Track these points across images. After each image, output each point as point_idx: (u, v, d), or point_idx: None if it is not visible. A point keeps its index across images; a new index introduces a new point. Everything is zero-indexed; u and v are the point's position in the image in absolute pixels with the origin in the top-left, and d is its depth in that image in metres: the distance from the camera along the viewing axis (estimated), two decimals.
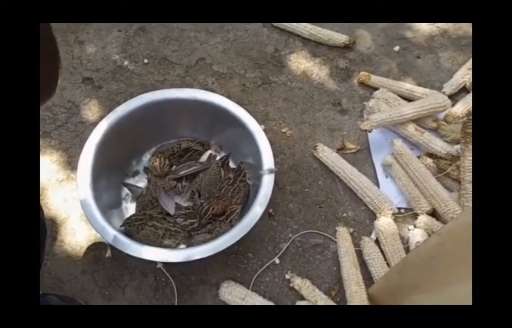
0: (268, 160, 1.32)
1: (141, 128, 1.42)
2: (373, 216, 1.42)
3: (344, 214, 1.43)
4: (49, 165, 1.47)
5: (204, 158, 1.47)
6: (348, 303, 1.24)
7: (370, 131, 1.54)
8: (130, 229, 1.27)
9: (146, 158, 1.47)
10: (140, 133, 1.42)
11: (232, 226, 1.30)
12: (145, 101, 1.40)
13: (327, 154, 1.52)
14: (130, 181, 1.43)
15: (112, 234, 1.16)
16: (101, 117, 1.41)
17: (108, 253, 1.30)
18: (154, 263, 1.29)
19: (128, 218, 1.29)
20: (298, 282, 1.28)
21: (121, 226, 1.26)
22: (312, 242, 1.38)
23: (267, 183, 1.28)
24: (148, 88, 1.65)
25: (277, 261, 1.34)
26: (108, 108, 1.59)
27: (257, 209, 1.22)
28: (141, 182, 1.44)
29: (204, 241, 1.27)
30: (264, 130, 1.49)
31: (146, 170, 1.43)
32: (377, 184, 1.48)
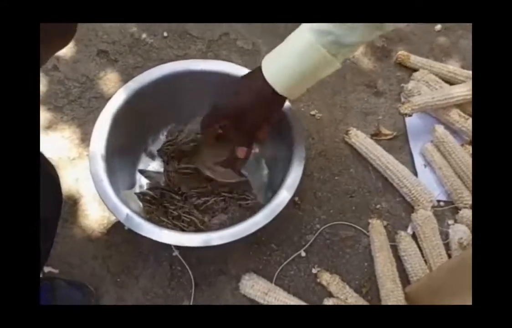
0: (299, 145, 1.28)
1: (160, 102, 1.40)
2: (409, 208, 1.39)
3: (378, 206, 1.41)
4: (60, 141, 1.48)
5: None
6: (382, 303, 1.22)
7: (410, 115, 1.51)
8: (143, 204, 1.28)
9: (163, 136, 1.46)
10: (159, 107, 1.40)
11: (248, 209, 1.29)
12: (165, 72, 1.38)
13: (360, 140, 1.49)
14: (146, 161, 1.43)
15: (124, 212, 1.15)
16: (116, 90, 1.40)
17: (126, 227, 1.27)
18: (169, 249, 1.29)
19: (141, 192, 1.30)
20: (326, 278, 1.26)
21: (136, 193, 1.28)
22: (341, 234, 1.36)
23: (297, 166, 1.24)
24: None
25: (303, 253, 1.32)
26: (124, 83, 1.54)
27: (284, 194, 1.19)
28: (158, 164, 1.42)
29: (221, 224, 1.26)
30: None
31: (161, 152, 1.41)
32: (414, 173, 1.45)
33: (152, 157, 1.44)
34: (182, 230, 1.25)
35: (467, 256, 1.07)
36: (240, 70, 1.39)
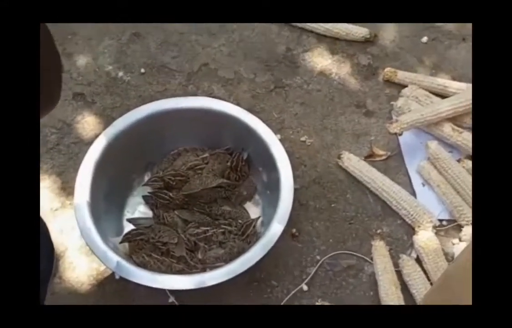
0: (286, 174, 1.33)
1: (143, 144, 1.43)
2: (411, 230, 1.41)
3: (379, 230, 1.42)
4: (41, 192, 1.46)
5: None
6: None
7: (400, 134, 1.53)
8: (131, 245, 1.30)
9: (148, 177, 1.48)
10: (141, 149, 1.44)
11: (248, 242, 1.31)
12: (145, 113, 1.42)
13: (353, 163, 1.51)
14: (133, 204, 1.44)
15: (115, 260, 1.16)
16: (96, 136, 1.42)
17: (117, 276, 1.28)
18: (164, 294, 1.28)
19: (128, 233, 1.31)
20: None
21: (120, 242, 1.30)
22: (343, 264, 1.37)
23: (286, 196, 1.28)
24: (147, 101, 1.63)
25: (305, 287, 1.33)
26: (103, 125, 1.59)
27: (276, 227, 1.22)
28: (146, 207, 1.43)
29: (217, 258, 1.28)
30: (280, 140, 1.49)
31: (148, 197, 1.42)
32: (413, 193, 1.47)
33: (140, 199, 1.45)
34: (171, 268, 1.27)
35: (451, 269, 1.08)
36: (221, 104, 1.46)
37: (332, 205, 1.47)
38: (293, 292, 1.31)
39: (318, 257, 1.37)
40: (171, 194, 1.36)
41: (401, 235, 1.41)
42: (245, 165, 1.44)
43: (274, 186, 1.34)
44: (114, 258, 1.16)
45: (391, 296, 1.26)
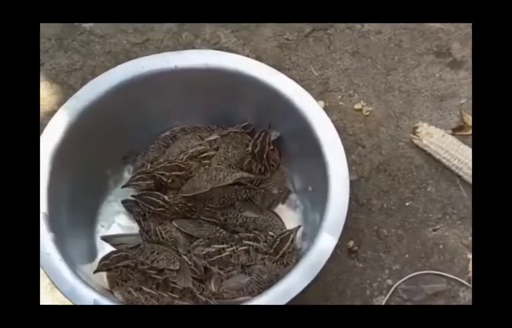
0: (337, 161, 1.31)
1: (119, 124, 1.43)
2: None
3: None
4: None
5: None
6: None
7: None
8: (111, 276, 1.31)
9: (127, 174, 1.49)
10: (117, 132, 1.44)
11: (285, 265, 1.31)
12: (120, 78, 1.40)
13: (435, 140, 1.52)
14: (108, 214, 1.45)
15: (91, 298, 1.15)
16: (49, 115, 1.40)
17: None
18: None
19: (105, 257, 1.32)
20: None
21: (95, 272, 1.30)
22: (427, 290, 1.38)
23: (339, 193, 1.26)
24: (121, 59, 1.64)
25: None
26: (57, 98, 1.60)
27: (326, 241, 1.21)
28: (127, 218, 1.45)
29: (239, 290, 1.28)
30: (325, 108, 1.51)
31: (130, 204, 1.44)
32: None
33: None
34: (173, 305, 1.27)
35: None
36: (233, 60, 1.43)
37: (407, 203, 1.49)
38: None
39: (389, 282, 1.39)
40: (166, 197, 1.37)
41: None
42: (274, 150, 1.44)
43: (319, 179, 1.34)
44: (90, 295, 1.15)
45: None
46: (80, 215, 1.39)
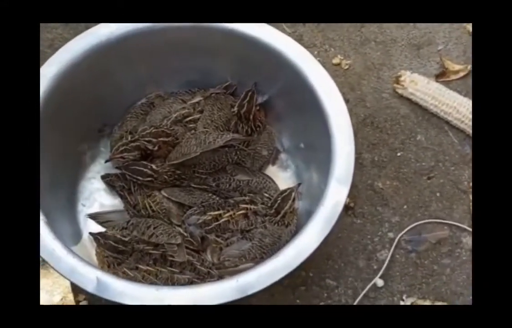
0: (335, 108, 1.25)
1: (90, 94, 1.36)
2: None
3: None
4: None
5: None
6: None
7: None
8: (100, 257, 1.28)
9: (103, 148, 1.45)
10: (89, 102, 1.37)
11: (286, 225, 1.27)
12: (96, 41, 1.33)
13: (421, 87, 1.52)
14: (89, 191, 1.41)
15: (93, 276, 1.08)
16: None
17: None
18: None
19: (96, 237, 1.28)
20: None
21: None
22: (430, 238, 1.37)
23: (343, 141, 1.21)
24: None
25: (380, 282, 1.32)
26: None
27: (338, 191, 1.16)
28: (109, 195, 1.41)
29: (241, 257, 1.24)
30: None
31: (111, 178, 1.40)
32: None
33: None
34: (173, 282, 1.22)
35: None
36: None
37: (398, 154, 1.48)
38: (363, 293, 1.31)
39: (390, 235, 1.37)
40: (153, 166, 1.32)
41: None
42: (260, 111, 1.41)
43: (315, 134, 1.30)
44: (92, 272, 1.08)
45: None
46: (60, 195, 1.33)
